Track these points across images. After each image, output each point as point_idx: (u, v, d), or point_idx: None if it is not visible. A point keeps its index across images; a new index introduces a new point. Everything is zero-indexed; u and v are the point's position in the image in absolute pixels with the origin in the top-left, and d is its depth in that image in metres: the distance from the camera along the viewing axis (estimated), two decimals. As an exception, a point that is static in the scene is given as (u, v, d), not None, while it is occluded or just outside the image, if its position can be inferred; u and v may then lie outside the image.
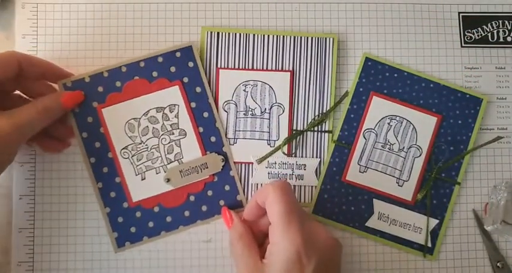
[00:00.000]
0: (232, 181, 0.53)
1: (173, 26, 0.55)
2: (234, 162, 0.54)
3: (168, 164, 0.53)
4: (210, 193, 0.53)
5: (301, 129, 0.54)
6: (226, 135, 0.54)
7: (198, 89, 0.53)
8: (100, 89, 0.53)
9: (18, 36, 0.54)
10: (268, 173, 0.54)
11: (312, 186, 0.54)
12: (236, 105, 0.54)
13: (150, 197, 0.52)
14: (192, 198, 0.53)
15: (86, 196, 0.52)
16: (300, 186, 0.54)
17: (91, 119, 0.52)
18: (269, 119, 0.54)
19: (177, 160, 0.53)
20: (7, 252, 0.52)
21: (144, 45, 0.54)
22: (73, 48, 0.54)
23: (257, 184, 0.54)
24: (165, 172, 0.53)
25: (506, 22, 0.57)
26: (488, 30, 0.57)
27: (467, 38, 0.57)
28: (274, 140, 0.54)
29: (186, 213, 0.52)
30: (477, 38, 0.57)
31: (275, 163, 0.54)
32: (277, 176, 0.54)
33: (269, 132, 0.54)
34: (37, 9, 0.54)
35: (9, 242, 0.52)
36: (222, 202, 0.53)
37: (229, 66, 0.54)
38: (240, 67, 0.54)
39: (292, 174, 0.54)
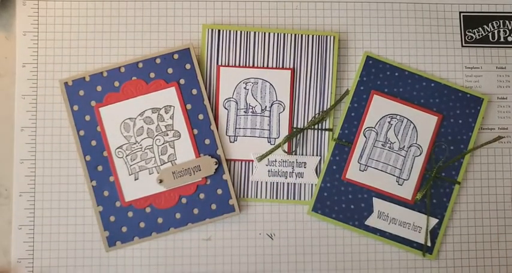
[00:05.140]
0: (225, 185, 0.53)
1: (174, 24, 0.55)
2: (235, 160, 0.54)
3: (161, 165, 0.53)
4: (202, 196, 0.53)
5: (302, 127, 0.54)
6: (226, 132, 0.54)
7: (194, 91, 0.53)
8: (99, 88, 0.53)
9: (19, 33, 0.54)
10: (269, 171, 0.54)
11: (311, 184, 0.54)
12: (237, 103, 0.54)
13: (142, 198, 0.52)
14: (184, 200, 0.53)
15: (86, 194, 0.53)
16: (300, 184, 0.54)
17: (89, 117, 0.53)
18: (269, 117, 0.54)
19: (171, 162, 0.53)
20: (7, 251, 0.52)
21: (144, 43, 0.55)
22: (74, 45, 0.54)
23: (257, 182, 0.54)
24: (158, 172, 0.53)
25: (507, 22, 0.57)
26: (489, 30, 0.57)
27: (468, 37, 0.57)
28: (275, 138, 0.54)
29: (178, 215, 0.52)
30: (478, 37, 0.57)
31: (275, 160, 0.54)
32: (277, 174, 0.54)
33: (269, 130, 0.54)
34: (38, 6, 0.54)
35: (9, 241, 0.52)
36: (214, 206, 0.52)
37: (230, 64, 0.54)
38: (241, 64, 0.54)
39: (293, 172, 0.54)
